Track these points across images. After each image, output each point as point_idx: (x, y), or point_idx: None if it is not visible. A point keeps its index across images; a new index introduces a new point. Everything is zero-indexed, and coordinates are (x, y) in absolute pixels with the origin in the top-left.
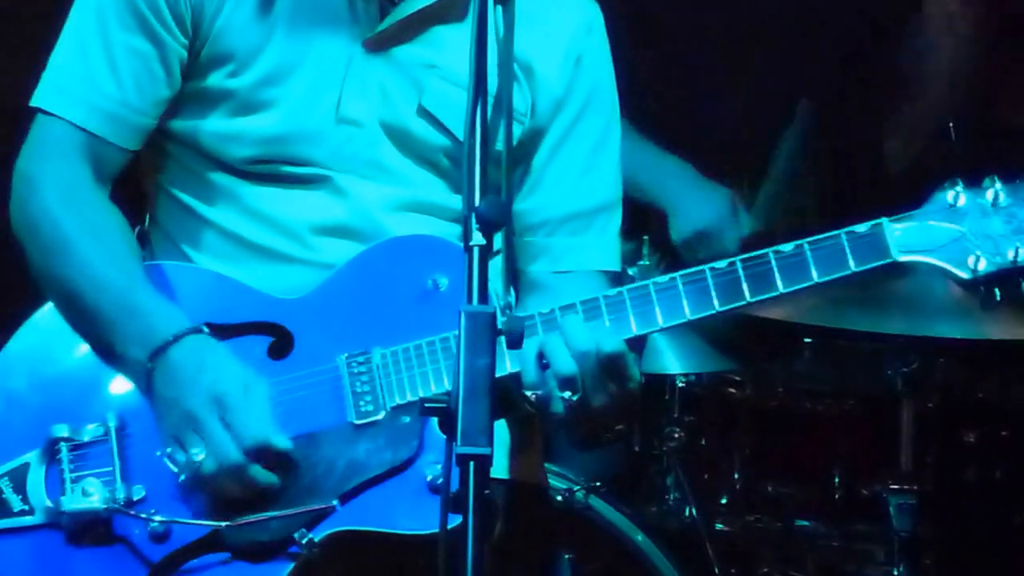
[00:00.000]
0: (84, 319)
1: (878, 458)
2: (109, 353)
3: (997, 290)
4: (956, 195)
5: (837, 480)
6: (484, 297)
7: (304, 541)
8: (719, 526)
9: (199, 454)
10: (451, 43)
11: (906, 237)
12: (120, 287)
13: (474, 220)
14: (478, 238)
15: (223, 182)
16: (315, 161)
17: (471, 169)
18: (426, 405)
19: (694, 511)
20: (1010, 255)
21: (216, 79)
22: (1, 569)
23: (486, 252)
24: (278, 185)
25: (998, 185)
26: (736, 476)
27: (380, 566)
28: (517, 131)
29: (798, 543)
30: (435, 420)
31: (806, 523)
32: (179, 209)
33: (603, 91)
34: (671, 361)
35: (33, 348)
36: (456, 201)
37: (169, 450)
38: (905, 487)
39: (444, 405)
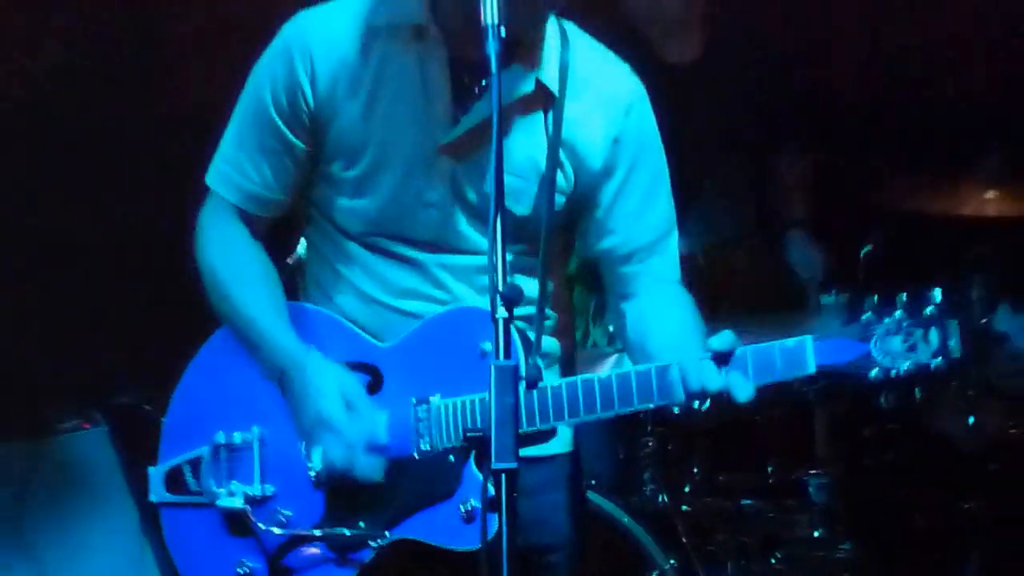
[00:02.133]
0: (243, 342)
1: (801, 451)
2: (263, 369)
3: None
4: (870, 317)
5: (771, 469)
6: (508, 354)
7: (378, 542)
8: (685, 508)
9: (335, 444)
10: (509, 139)
11: (822, 354)
12: (255, 319)
13: (499, 299)
14: (502, 312)
15: (347, 245)
16: (407, 236)
17: (493, 260)
18: (468, 434)
19: (665, 497)
20: (901, 370)
21: (336, 169)
22: (182, 531)
23: (508, 322)
24: (383, 253)
25: (902, 305)
26: (696, 470)
27: (427, 571)
28: (560, 200)
29: (745, 517)
30: (472, 461)
31: (750, 502)
32: (319, 258)
33: (646, 155)
34: None
35: (210, 362)
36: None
37: (306, 445)
38: (821, 471)
39: (480, 434)
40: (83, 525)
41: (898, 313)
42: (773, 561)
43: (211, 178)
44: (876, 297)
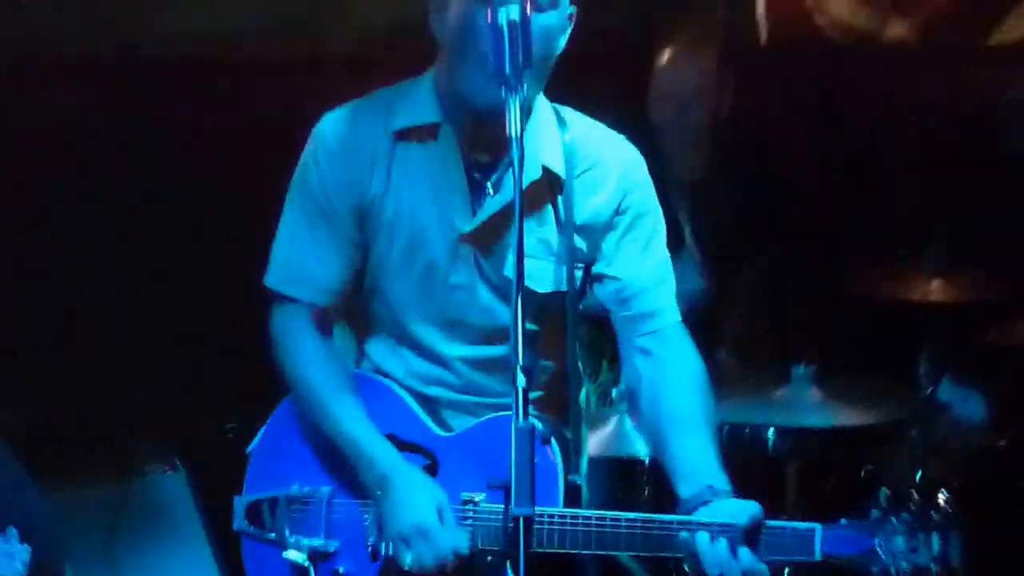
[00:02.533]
0: (337, 445)
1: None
2: (362, 475)
3: None
4: (878, 515)
5: None
6: (527, 416)
7: None
8: None
9: (426, 551)
10: (530, 222)
11: (829, 543)
12: (351, 432)
13: (519, 371)
14: (522, 381)
15: (399, 320)
16: (440, 314)
17: (515, 342)
18: (490, 485)
19: None
20: (901, 569)
21: (377, 253)
22: (258, 561)
23: (527, 391)
24: (410, 337)
25: (911, 507)
26: None
27: None
28: (578, 274)
29: None
30: (508, 566)
31: None
32: (375, 334)
33: (645, 213)
34: (640, 446)
35: (293, 413)
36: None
37: (392, 546)
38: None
39: (502, 484)
40: (165, 561)
41: (905, 516)
42: None
43: (274, 281)
44: (887, 493)
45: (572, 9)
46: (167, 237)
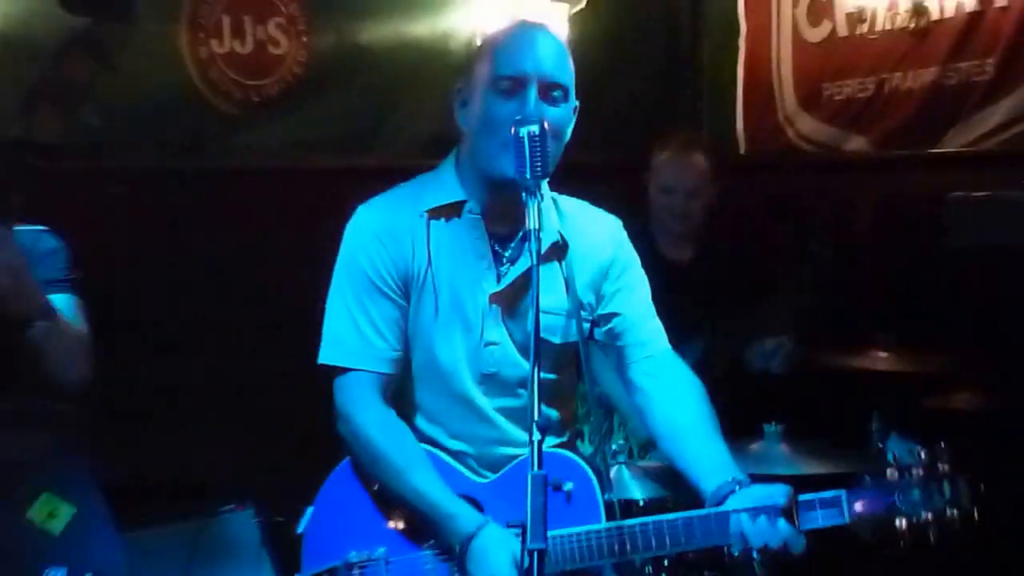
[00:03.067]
0: (405, 503)
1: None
2: (443, 536)
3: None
4: (893, 473)
5: (726, 555)
6: (540, 465)
7: None
8: None
9: None
10: (543, 284)
11: (856, 506)
12: (431, 495)
13: (535, 427)
14: (537, 435)
15: (441, 377)
16: (479, 369)
17: (532, 402)
18: (510, 523)
19: (648, 571)
20: (921, 520)
21: (422, 319)
22: None
23: (542, 442)
24: (468, 382)
25: (920, 463)
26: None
27: None
28: (586, 326)
29: None
30: None
31: (710, 574)
32: (412, 393)
33: (631, 265)
34: (635, 490)
35: (341, 486)
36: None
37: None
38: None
39: (520, 524)
40: None
41: (916, 471)
42: None
43: (338, 357)
44: (894, 455)
45: (576, 103)
46: (243, 319)
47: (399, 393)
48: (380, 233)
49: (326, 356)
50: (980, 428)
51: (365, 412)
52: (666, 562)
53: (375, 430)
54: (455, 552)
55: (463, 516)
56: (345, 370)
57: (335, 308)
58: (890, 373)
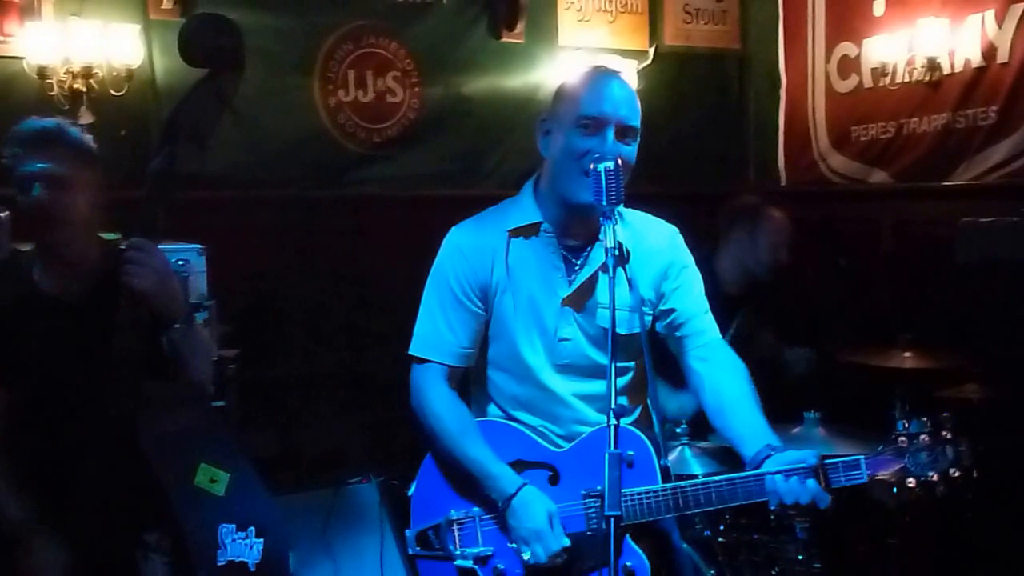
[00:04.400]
0: (461, 472)
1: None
2: (481, 489)
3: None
4: (902, 439)
5: (772, 516)
6: (616, 444)
7: None
8: (720, 539)
9: (540, 549)
10: (604, 287)
11: (871, 467)
12: (478, 459)
13: (611, 413)
14: (612, 419)
15: (524, 370)
16: (554, 360)
17: (610, 390)
18: (587, 493)
19: (708, 532)
20: (928, 479)
21: (503, 323)
22: (433, 574)
23: (617, 427)
24: (547, 372)
25: (926, 429)
26: (727, 515)
27: None
28: (648, 318)
29: (756, 545)
30: (628, 537)
31: (759, 536)
32: (499, 382)
33: (688, 266)
34: (696, 466)
35: (432, 464)
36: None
37: (517, 546)
38: (805, 518)
39: (596, 494)
40: (362, 548)
41: (924, 437)
42: (773, 573)
43: (418, 349)
44: (903, 424)
45: (639, 139)
46: (369, 321)
47: (482, 382)
48: (465, 249)
49: (412, 348)
50: (984, 414)
51: (432, 391)
52: (722, 527)
53: (438, 406)
54: (498, 508)
55: (506, 478)
56: (423, 360)
57: (424, 311)
58: (910, 369)
